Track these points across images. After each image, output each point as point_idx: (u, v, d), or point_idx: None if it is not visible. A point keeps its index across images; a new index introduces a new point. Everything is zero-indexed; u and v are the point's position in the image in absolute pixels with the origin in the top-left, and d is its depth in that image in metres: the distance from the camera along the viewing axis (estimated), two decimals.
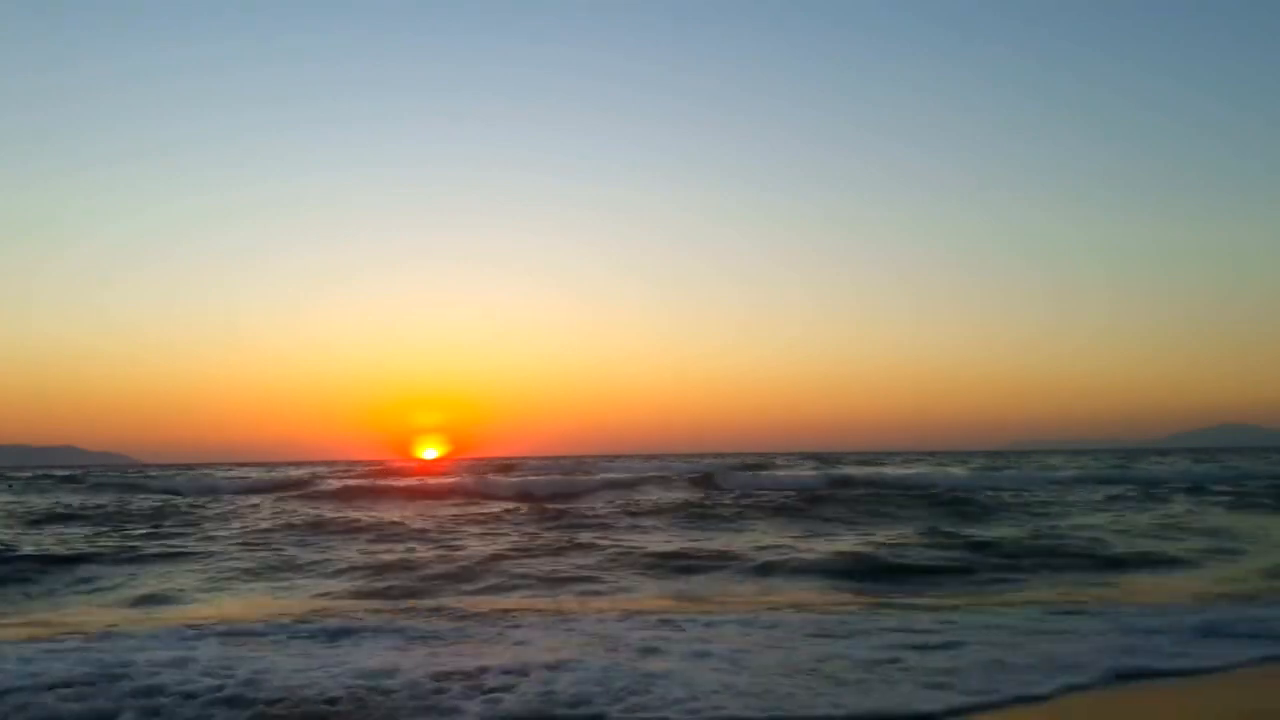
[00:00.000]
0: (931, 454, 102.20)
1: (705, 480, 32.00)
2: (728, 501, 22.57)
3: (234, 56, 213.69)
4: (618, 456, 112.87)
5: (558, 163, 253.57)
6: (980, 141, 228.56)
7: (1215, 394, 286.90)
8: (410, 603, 9.15)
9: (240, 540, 14.99)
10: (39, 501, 25.56)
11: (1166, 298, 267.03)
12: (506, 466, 56.78)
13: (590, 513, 19.91)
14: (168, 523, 18.64)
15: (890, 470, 40.62)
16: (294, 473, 46.30)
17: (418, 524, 17.51)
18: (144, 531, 16.74)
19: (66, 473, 53.65)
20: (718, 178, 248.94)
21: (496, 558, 12.12)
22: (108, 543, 14.67)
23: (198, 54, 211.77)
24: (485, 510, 21.13)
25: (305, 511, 21.32)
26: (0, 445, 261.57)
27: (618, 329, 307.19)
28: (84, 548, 13.81)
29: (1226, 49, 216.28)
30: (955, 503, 21.53)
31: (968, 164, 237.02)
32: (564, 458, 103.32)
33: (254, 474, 45.42)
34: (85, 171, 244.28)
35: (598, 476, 34.33)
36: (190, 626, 7.57)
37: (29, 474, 51.83)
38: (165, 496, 27.71)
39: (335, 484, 33.33)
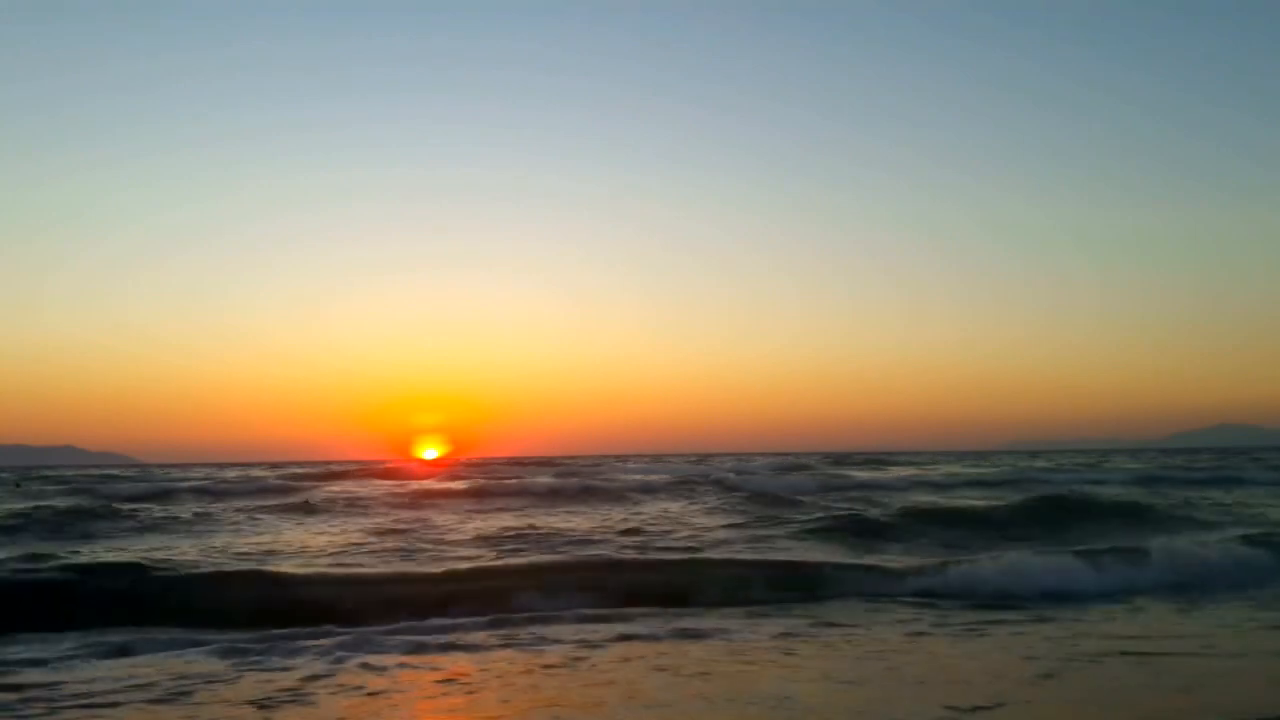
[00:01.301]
0: (938, 454, 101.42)
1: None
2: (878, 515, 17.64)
3: (237, 60, 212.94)
4: (625, 456, 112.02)
5: (558, 164, 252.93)
6: (975, 141, 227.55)
7: (1215, 394, 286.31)
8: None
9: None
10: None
11: (1167, 298, 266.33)
12: (534, 466, 55.71)
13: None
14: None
15: (940, 470, 39.71)
16: (297, 470, 45.67)
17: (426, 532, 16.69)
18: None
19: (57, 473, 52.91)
20: (715, 177, 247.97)
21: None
22: None
23: (201, 57, 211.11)
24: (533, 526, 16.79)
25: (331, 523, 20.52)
26: (0, 445, 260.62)
27: (618, 328, 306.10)
28: None
29: (1227, 45, 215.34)
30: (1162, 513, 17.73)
31: (961, 162, 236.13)
32: (567, 458, 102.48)
33: (228, 474, 44.63)
34: (87, 173, 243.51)
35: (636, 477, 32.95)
36: None
37: (7, 474, 50.84)
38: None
39: (338, 485, 32.66)
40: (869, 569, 10.63)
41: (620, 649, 7.10)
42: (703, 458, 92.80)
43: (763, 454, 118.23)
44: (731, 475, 34.72)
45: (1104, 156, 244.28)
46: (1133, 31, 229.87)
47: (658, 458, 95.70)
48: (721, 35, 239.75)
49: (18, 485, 34.61)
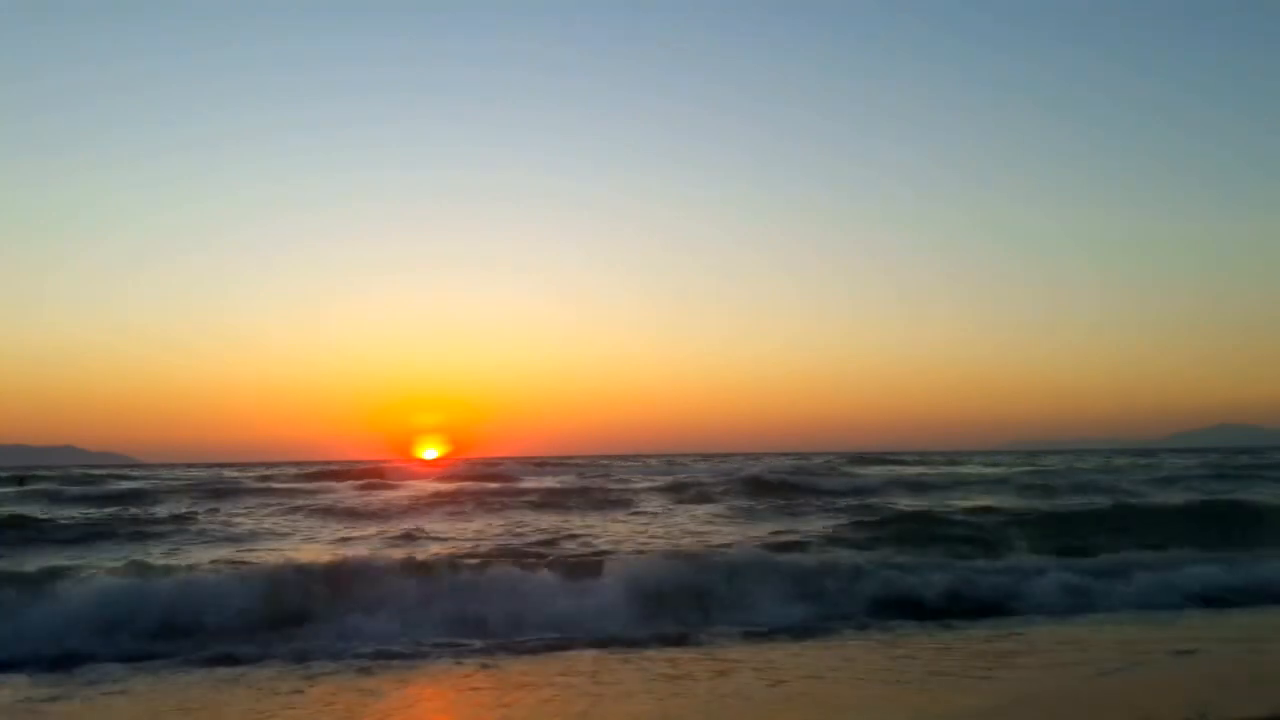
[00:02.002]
0: (940, 454, 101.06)
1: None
2: None
3: (238, 62, 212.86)
4: (628, 456, 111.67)
5: (558, 165, 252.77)
6: (972, 142, 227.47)
7: (1215, 394, 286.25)
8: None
9: None
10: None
11: (1167, 299, 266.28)
12: (540, 464, 54.50)
13: None
14: None
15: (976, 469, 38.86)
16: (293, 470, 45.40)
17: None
18: None
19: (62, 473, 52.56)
20: (716, 177, 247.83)
21: None
22: None
23: (201, 57, 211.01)
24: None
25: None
26: (0, 445, 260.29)
27: (619, 328, 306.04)
28: None
29: (1222, 49, 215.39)
30: None
31: (959, 164, 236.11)
32: (569, 458, 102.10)
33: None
34: (89, 173, 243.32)
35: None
36: None
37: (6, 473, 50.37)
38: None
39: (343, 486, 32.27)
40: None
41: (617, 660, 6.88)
42: (704, 457, 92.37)
43: (766, 453, 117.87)
44: (770, 474, 32.34)
45: (1105, 159, 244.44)
46: (1131, 33, 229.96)
47: (664, 457, 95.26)
48: (721, 35, 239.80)
49: (21, 484, 34.05)
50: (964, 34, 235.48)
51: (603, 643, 7.32)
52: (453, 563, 10.05)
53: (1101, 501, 20.43)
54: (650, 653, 6.93)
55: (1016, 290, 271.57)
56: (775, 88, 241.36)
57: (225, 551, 13.39)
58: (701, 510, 20.59)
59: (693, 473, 38.85)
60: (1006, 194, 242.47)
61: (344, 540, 14.90)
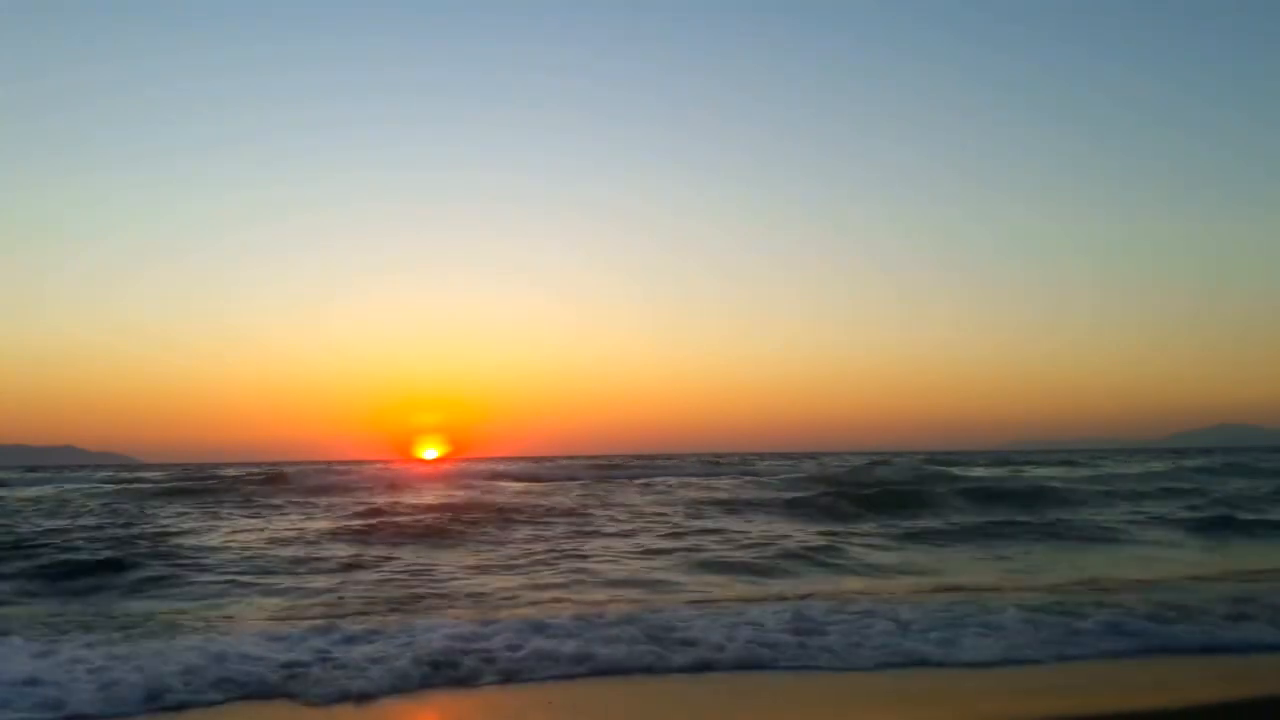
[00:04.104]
0: (944, 453, 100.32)
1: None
2: None
3: (238, 62, 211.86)
4: (633, 456, 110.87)
5: (558, 165, 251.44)
6: (972, 141, 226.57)
7: (1215, 394, 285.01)
8: None
9: None
10: None
11: (1166, 297, 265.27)
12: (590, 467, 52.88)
13: None
14: None
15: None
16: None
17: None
18: None
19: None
20: (716, 178, 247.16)
21: None
22: None
23: (202, 58, 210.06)
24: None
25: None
26: (0, 445, 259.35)
27: (620, 328, 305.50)
28: None
29: (1220, 46, 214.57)
30: None
31: (959, 163, 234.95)
32: (573, 458, 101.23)
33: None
34: (89, 173, 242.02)
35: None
36: None
37: None
38: None
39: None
40: None
41: None
42: (717, 456, 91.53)
43: (767, 454, 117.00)
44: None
45: (1105, 158, 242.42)
46: (1131, 33, 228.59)
47: (666, 456, 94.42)
48: (721, 35, 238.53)
49: None
50: (964, 34, 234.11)
51: None
52: None
53: None
54: None
55: (1016, 290, 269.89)
56: (775, 88, 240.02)
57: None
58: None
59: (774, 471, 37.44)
60: (1006, 194, 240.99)
61: None
